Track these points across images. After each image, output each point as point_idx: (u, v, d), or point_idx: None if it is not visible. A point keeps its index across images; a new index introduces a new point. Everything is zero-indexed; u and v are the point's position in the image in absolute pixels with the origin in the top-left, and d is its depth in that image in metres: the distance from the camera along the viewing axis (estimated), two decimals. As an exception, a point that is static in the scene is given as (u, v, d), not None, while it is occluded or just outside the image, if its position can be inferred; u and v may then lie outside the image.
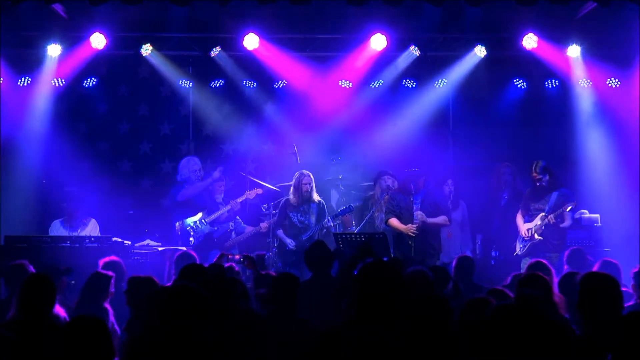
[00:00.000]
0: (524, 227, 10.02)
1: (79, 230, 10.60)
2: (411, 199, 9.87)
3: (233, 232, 11.22)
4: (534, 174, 10.03)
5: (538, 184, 10.02)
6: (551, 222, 9.81)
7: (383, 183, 10.80)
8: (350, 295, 3.80)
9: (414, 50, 11.82)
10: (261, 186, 11.51)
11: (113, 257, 7.70)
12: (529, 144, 12.24)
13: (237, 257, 7.87)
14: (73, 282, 7.70)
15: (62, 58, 11.76)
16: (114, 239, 9.69)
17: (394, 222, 9.85)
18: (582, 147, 12.15)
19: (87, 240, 9.58)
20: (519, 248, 10.07)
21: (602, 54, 11.71)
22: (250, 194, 11.08)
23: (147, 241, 10.36)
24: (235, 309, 5.21)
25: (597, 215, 11.06)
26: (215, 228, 10.86)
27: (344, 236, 9.76)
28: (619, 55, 11.65)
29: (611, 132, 11.91)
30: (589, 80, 11.96)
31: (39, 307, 5.27)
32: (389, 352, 3.50)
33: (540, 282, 5.60)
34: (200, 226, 10.87)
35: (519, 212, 10.24)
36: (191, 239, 10.73)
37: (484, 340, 3.82)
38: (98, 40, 11.44)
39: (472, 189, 11.86)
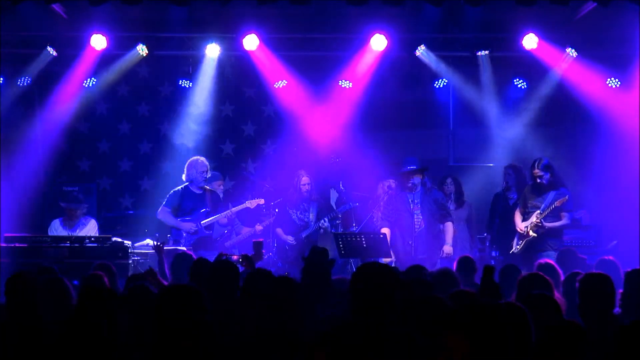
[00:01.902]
0: (521, 225, 10.03)
1: (78, 230, 10.57)
2: (410, 200, 9.84)
3: (234, 233, 11.17)
4: (535, 171, 10.01)
5: (539, 181, 10.00)
6: (538, 221, 9.76)
7: (385, 185, 10.80)
8: (348, 296, 3.80)
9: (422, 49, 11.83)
10: (260, 186, 11.48)
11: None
12: (528, 144, 12.22)
13: (234, 257, 7.85)
14: (76, 283, 7.68)
15: (61, 58, 11.77)
16: (114, 239, 9.68)
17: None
18: (582, 147, 12.15)
19: (87, 240, 9.57)
20: (514, 246, 10.07)
21: (602, 54, 11.71)
22: (252, 204, 10.78)
23: (147, 241, 10.32)
24: None
25: (597, 215, 11.04)
26: (210, 232, 10.50)
27: (344, 236, 9.76)
28: (618, 55, 11.64)
29: (611, 132, 11.89)
30: (588, 80, 11.95)
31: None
32: (386, 353, 3.50)
33: (542, 282, 5.60)
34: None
35: (517, 209, 10.24)
36: (182, 242, 10.43)
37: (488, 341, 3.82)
38: (98, 41, 11.44)
39: (472, 189, 11.86)
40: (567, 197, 9.85)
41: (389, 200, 10.15)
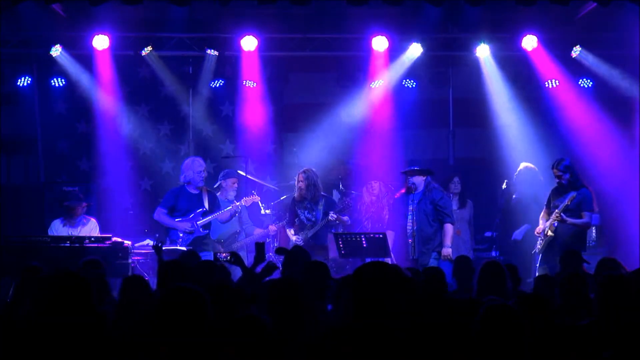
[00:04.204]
0: (540, 226, 9.91)
1: (78, 229, 10.55)
2: (409, 201, 9.77)
3: (243, 233, 11.12)
4: (554, 171, 9.89)
5: (558, 182, 9.90)
6: (558, 216, 9.64)
7: (370, 189, 10.87)
8: (346, 296, 3.79)
9: (417, 47, 11.80)
10: (260, 186, 11.46)
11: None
12: (528, 144, 12.22)
13: (223, 255, 7.81)
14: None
15: (62, 58, 11.78)
16: (114, 239, 9.66)
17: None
18: (582, 146, 12.14)
19: (87, 240, 9.56)
20: (536, 246, 9.97)
21: (602, 54, 11.71)
22: (247, 202, 10.65)
23: (147, 241, 10.30)
24: None
25: (597, 215, 11.03)
26: (207, 231, 10.33)
27: (344, 236, 9.76)
28: (619, 55, 11.64)
29: (611, 132, 11.89)
30: (588, 80, 11.96)
31: None
32: (384, 353, 3.50)
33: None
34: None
35: (544, 210, 10.10)
36: (180, 239, 10.35)
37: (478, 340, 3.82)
38: (101, 42, 11.45)
39: (472, 190, 11.86)
40: (574, 195, 9.67)
41: (389, 204, 10.15)
